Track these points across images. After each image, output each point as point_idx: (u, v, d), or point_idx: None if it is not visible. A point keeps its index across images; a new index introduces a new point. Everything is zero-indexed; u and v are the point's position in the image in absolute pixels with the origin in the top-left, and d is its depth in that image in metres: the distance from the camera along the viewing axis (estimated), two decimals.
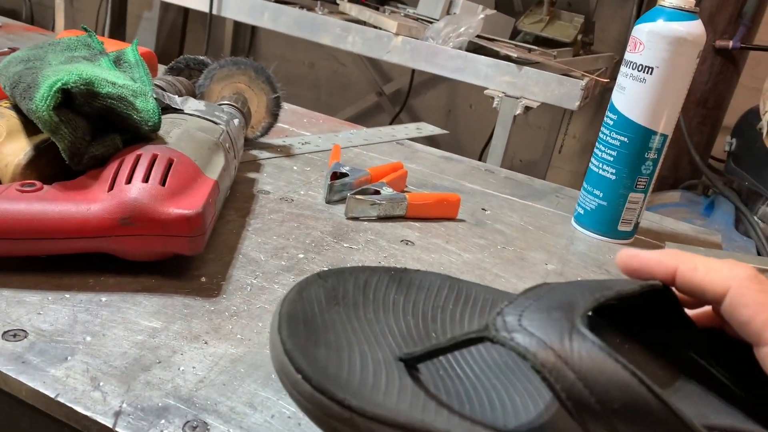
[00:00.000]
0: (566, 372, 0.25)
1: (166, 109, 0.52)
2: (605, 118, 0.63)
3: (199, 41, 2.39)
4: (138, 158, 0.43)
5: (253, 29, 2.38)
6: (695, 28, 0.59)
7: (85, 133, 0.43)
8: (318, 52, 2.27)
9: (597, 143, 0.64)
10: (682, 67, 0.59)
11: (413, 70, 2.08)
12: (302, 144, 0.76)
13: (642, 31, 0.59)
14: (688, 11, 0.59)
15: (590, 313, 0.33)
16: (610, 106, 0.63)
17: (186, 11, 2.36)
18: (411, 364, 0.30)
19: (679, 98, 0.61)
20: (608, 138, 0.62)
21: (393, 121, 2.23)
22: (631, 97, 0.61)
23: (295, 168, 0.68)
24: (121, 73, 0.50)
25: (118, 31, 2.25)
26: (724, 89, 1.62)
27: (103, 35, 1.89)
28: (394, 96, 2.27)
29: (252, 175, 0.63)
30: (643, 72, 0.59)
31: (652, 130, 0.60)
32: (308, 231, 0.54)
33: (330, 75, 2.34)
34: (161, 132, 0.47)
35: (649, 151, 0.61)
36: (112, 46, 0.64)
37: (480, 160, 1.97)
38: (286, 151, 0.72)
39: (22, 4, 2.36)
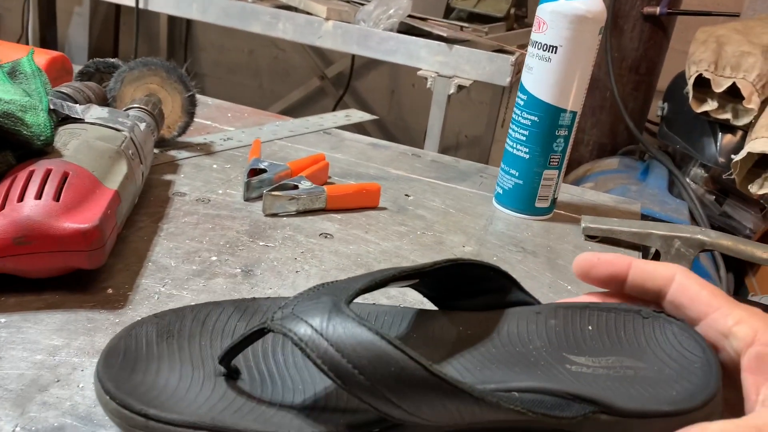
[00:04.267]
0: (321, 342, 0.28)
1: (66, 119, 0.51)
2: (516, 99, 0.64)
3: (134, 35, 2.34)
4: (31, 174, 0.42)
5: (189, 20, 2.33)
6: (595, 5, 0.60)
7: None
8: (256, 39, 2.24)
9: (510, 124, 0.65)
10: (585, 45, 0.60)
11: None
12: (224, 140, 0.75)
13: (545, 10, 0.60)
14: None
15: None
16: (520, 86, 0.64)
17: (118, 5, 2.30)
18: (227, 372, 0.33)
19: (585, 75, 0.62)
20: (520, 118, 0.64)
21: (337, 104, 2.23)
22: (538, 77, 0.62)
23: (214, 166, 0.68)
24: (14, 86, 0.49)
25: (49, 29, 2.18)
26: (654, 55, 1.66)
27: (28, 35, 1.83)
28: (337, 79, 2.26)
29: (168, 177, 0.63)
30: (548, 51, 0.61)
31: (561, 108, 0.62)
32: (223, 232, 0.54)
33: (270, 61, 2.31)
34: (58, 145, 0.46)
35: (560, 128, 0.63)
36: (16, 53, 0.62)
37: (425, 138, 1.99)
38: (206, 149, 0.72)
39: None
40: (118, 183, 0.46)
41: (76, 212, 0.41)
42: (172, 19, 2.32)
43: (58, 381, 0.35)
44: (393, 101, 2.22)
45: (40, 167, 0.43)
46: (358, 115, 0.96)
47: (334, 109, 2.24)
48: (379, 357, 0.27)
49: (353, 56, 2.13)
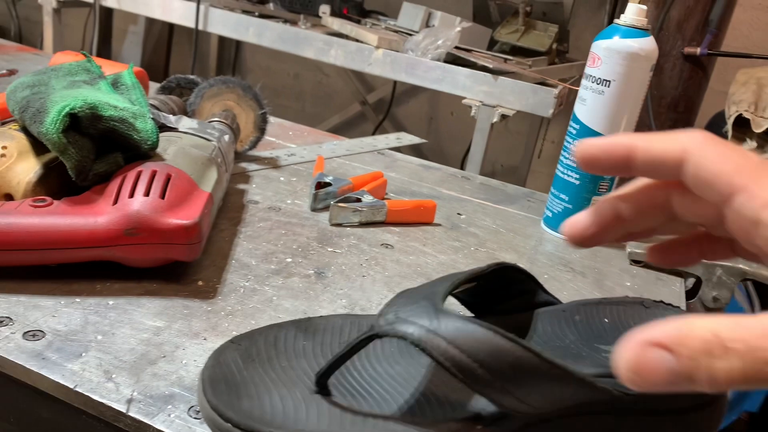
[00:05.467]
0: (438, 340, 0.30)
1: (162, 127, 0.56)
2: (569, 128, 0.68)
3: (185, 54, 2.43)
4: (139, 174, 0.47)
5: (238, 42, 2.43)
6: (648, 44, 0.64)
7: (90, 153, 0.47)
8: (302, 63, 2.32)
9: (562, 151, 0.69)
10: (637, 80, 0.64)
11: (395, 80, 2.13)
12: (288, 156, 0.80)
13: (599, 47, 0.65)
14: (641, 29, 0.64)
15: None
16: (573, 116, 0.68)
17: (171, 25, 2.40)
18: (324, 388, 0.35)
19: (636, 108, 0.66)
20: (571, 146, 0.67)
21: (376, 129, 2.29)
22: (591, 108, 0.66)
23: (282, 179, 0.72)
24: (120, 95, 0.54)
25: (105, 46, 2.29)
26: (693, 94, 1.68)
27: (90, 51, 1.92)
28: (377, 105, 2.33)
29: (242, 186, 0.68)
30: (601, 85, 0.65)
31: None
32: (295, 237, 0.59)
33: (314, 85, 2.39)
34: (158, 149, 0.51)
35: None
36: (108, 68, 0.68)
37: (462, 165, 2.02)
38: (273, 163, 0.77)
39: (9, 20, 2.39)
40: (211, 187, 0.51)
41: (178, 209, 0.46)
42: (222, 41, 2.42)
43: (164, 357, 0.40)
44: (431, 128, 2.28)
45: (147, 168, 0.48)
46: (408, 138, 1.01)
47: (373, 134, 2.29)
48: (497, 350, 0.30)
49: (395, 83, 2.19)
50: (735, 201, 0.26)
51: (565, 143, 0.69)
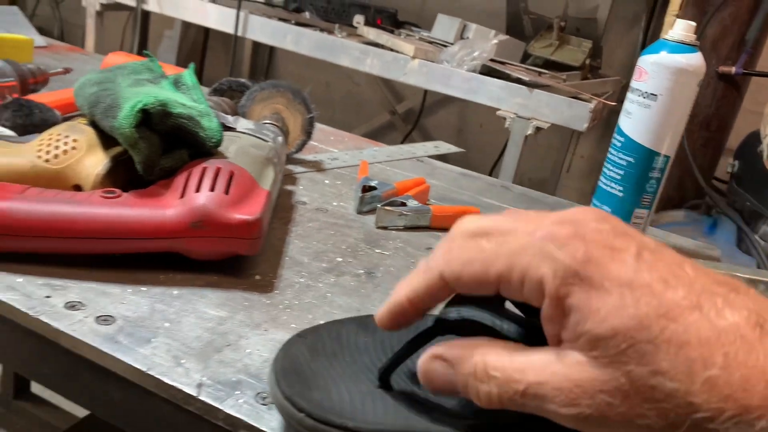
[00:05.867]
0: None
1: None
2: (613, 140, 0.69)
3: (219, 59, 2.48)
4: (204, 170, 0.49)
5: (272, 49, 2.46)
6: (695, 60, 0.65)
7: (158, 148, 0.49)
8: (334, 72, 2.35)
9: (605, 162, 0.70)
10: (684, 95, 0.65)
11: (425, 91, 2.15)
12: (331, 160, 0.82)
13: (647, 61, 0.65)
14: (689, 44, 0.65)
15: None
16: (618, 129, 0.69)
17: (206, 31, 2.44)
18: (386, 383, 0.36)
19: (681, 123, 0.66)
20: (615, 158, 0.68)
21: (405, 139, 2.30)
22: (636, 122, 0.67)
23: (326, 181, 0.74)
24: (183, 94, 0.56)
25: (140, 50, 2.33)
26: (727, 113, 1.68)
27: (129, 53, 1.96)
28: (406, 115, 2.35)
29: (289, 187, 0.70)
30: (648, 99, 0.65)
31: (656, 151, 0.66)
32: (344, 238, 0.60)
33: (345, 94, 2.41)
34: (220, 148, 0.53)
35: (653, 170, 0.67)
36: (168, 70, 0.70)
37: (490, 177, 2.03)
38: (317, 166, 0.78)
39: (53, 22, 2.45)
40: (270, 185, 0.52)
41: (241, 205, 0.47)
42: (256, 48, 2.46)
43: (228, 345, 0.41)
44: (459, 139, 2.29)
45: (211, 165, 0.49)
46: (445, 147, 1.02)
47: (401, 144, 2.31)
48: None
49: (425, 94, 2.21)
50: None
51: (609, 155, 0.70)
